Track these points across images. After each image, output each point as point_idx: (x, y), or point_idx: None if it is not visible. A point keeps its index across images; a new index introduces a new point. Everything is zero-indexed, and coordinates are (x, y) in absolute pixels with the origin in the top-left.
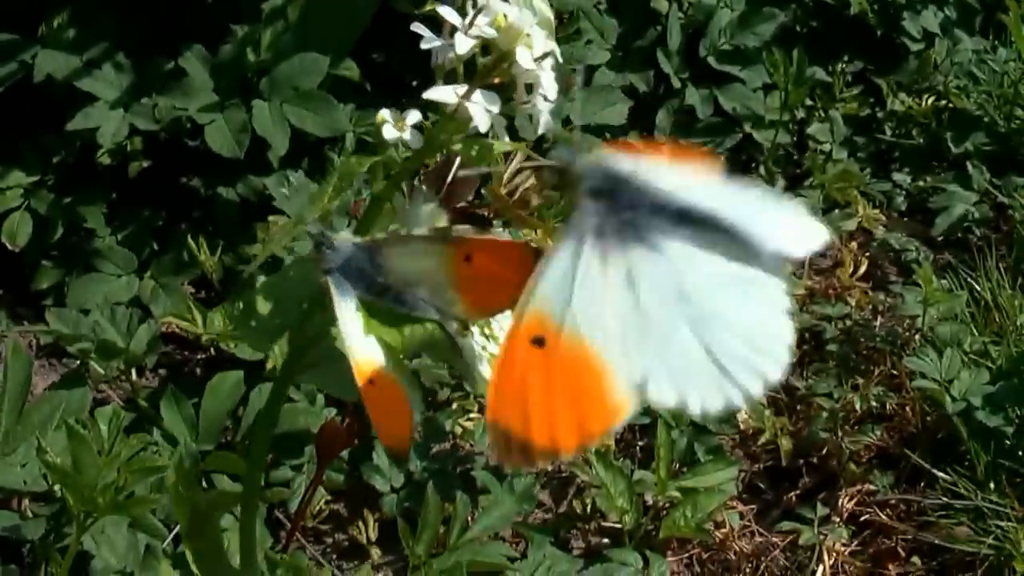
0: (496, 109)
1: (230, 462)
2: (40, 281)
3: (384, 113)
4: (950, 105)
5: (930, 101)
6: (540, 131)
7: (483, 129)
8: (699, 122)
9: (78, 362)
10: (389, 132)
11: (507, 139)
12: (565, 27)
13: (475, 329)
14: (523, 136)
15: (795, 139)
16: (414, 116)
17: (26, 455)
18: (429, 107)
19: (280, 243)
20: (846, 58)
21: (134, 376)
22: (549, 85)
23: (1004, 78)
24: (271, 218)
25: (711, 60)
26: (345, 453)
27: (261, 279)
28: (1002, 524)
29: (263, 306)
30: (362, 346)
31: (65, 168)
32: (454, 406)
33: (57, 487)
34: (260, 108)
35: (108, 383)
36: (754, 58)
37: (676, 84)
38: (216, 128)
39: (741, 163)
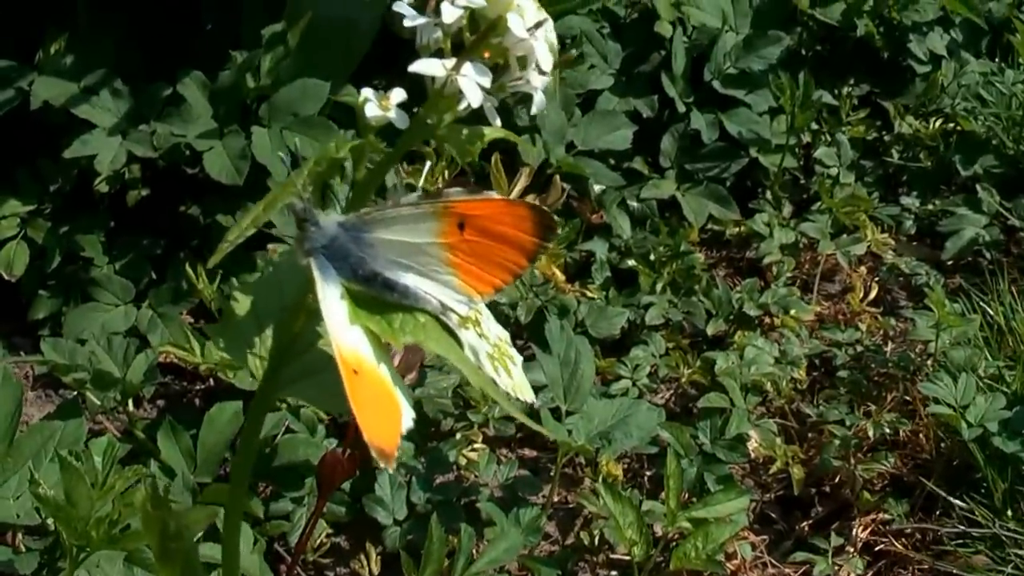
0: (488, 83)
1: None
2: (37, 311)
3: (366, 92)
4: (958, 128)
5: (938, 124)
6: (534, 111)
7: (475, 103)
8: (704, 147)
9: (75, 393)
10: (372, 111)
11: (498, 123)
12: (568, 51)
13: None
14: (526, 161)
15: (802, 163)
16: (399, 94)
17: (19, 487)
18: (415, 88)
19: (255, 224)
20: (852, 81)
21: (131, 407)
22: (544, 56)
23: (1012, 100)
24: (270, 246)
25: (716, 84)
26: (346, 485)
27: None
28: (1021, 552)
29: (240, 308)
30: (346, 334)
31: (62, 196)
32: (458, 436)
33: (51, 520)
34: (260, 134)
35: (105, 414)
36: (760, 82)
37: (681, 108)
38: (215, 155)
39: (747, 189)
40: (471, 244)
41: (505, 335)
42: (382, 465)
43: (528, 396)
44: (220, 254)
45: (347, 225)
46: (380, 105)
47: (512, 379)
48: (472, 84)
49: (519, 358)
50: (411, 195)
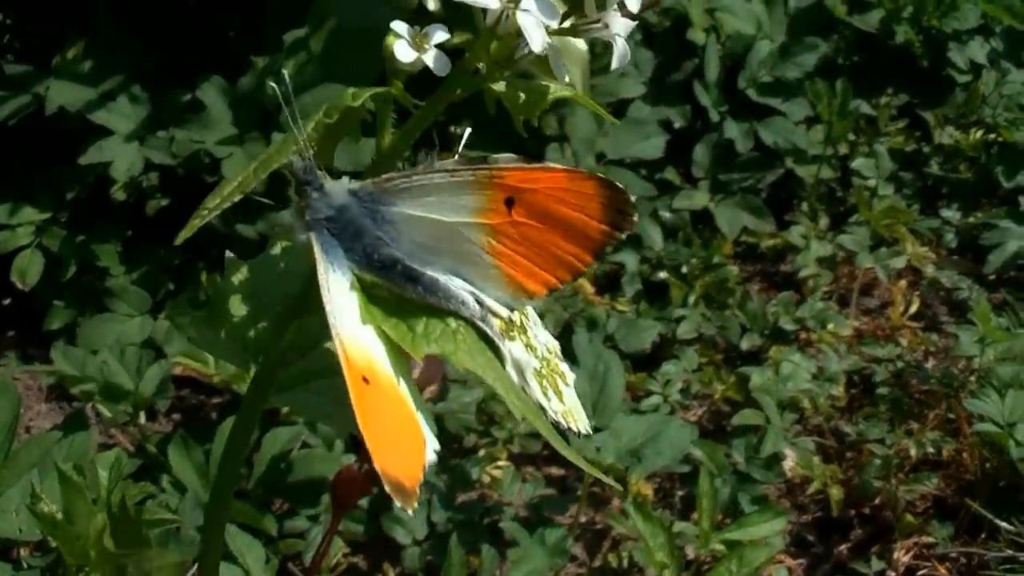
0: (555, 23)
1: (241, 511)
2: (51, 322)
3: (398, 26)
4: (999, 138)
5: (978, 134)
6: (615, 65)
7: (536, 48)
8: (738, 157)
9: (88, 404)
10: (404, 52)
11: (569, 77)
12: (598, 59)
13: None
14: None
15: (839, 175)
16: (440, 34)
17: (22, 501)
18: (457, 25)
19: (242, 189)
20: (890, 91)
21: (143, 420)
22: None
23: None
24: None
25: (751, 92)
26: (364, 502)
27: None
28: None
29: (237, 307)
30: (355, 330)
31: (79, 204)
32: (481, 453)
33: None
34: None
35: (119, 427)
36: (795, 90)
37: (714, 117)
38: (235, 161)
39: (782, 200)
40: (521, 228)
41: (555, 345)
42: (399, 505)
43: (582, 426)
44: (192, 229)
45: (361, 194)
46: (415, 44)
47: (563, 403)
48: (535, 23)
49: (571, 375)
50: (446, 161)
